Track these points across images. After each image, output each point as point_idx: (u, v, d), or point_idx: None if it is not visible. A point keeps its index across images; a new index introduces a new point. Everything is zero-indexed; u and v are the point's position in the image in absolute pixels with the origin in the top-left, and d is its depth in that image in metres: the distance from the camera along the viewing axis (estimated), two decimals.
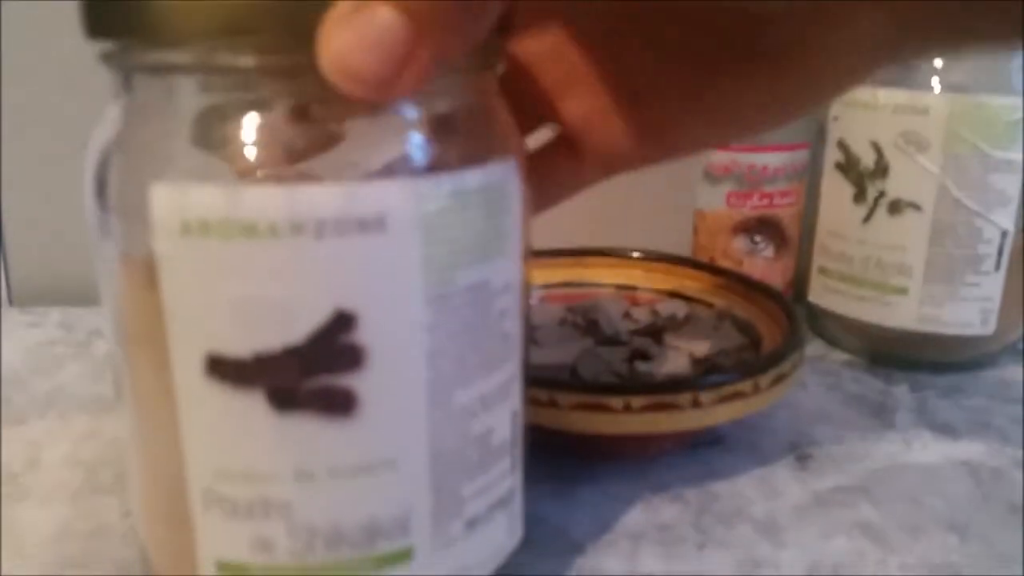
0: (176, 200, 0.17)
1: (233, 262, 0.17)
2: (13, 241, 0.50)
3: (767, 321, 0.36)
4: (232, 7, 0.17)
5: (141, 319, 0.19)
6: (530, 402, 0.24)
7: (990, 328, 0.40)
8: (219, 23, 0.17)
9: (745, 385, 0.29)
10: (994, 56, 0.38)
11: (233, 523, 0.19)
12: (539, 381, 0.28)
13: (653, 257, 0.42)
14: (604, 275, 0.42)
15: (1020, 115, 0.37)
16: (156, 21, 0.17)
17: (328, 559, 0.19)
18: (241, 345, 0.18)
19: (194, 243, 0.17)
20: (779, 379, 0.30)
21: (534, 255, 0.38)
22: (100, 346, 0.43)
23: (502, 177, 0.20)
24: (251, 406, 0.18)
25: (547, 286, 0.41)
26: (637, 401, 0.28)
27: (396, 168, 0.18)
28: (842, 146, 0.41)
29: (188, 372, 0.18)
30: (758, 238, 0.43)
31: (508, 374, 0.21)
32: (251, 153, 0.18)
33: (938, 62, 0.38)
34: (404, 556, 0.20)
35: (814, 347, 0.44)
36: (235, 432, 0.18)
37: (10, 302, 0.51)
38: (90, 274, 0.52)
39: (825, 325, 0.45)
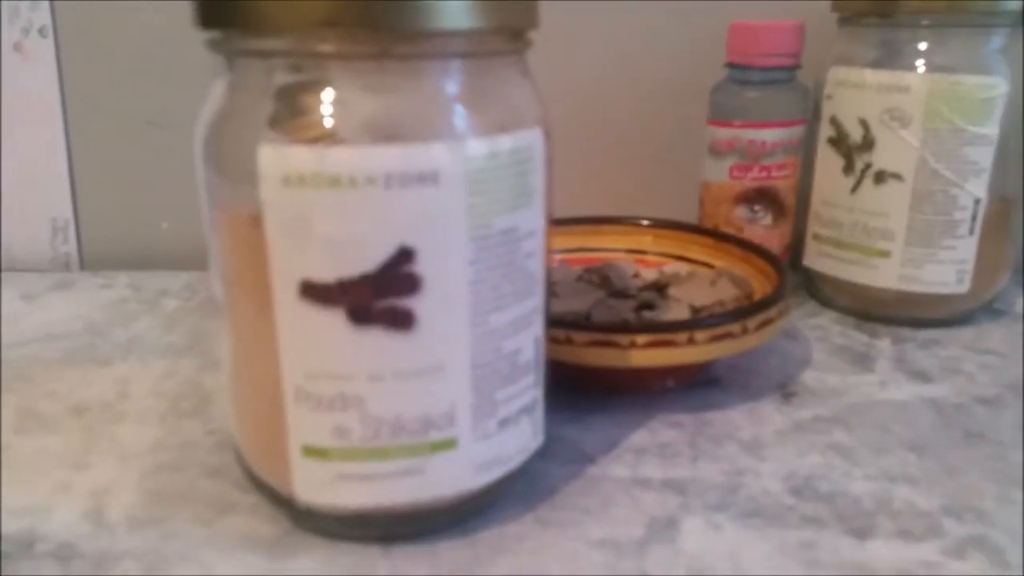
0: (278, 158, 0.22)
1: (322, 207, 0.22)
2: (85, 211, 0.55)
3: (761, 279, 0.41)
4: (318, 5, 0.21)
5: (245, 256, 0.24)
6: (551, 340, 0.29)
7: (965, 287, 0.44)
8: (307, 17, 0.22)
9: (735, 327, 0.34)
10: (975, 39, 0.42)
11: (317, 414, 0.24)
12: (558, 323, 0.33)
13: (662, 224, 0.47)
14: (617, 241, 0.47)
15: (994, 93, 0.41)
16: (257, 15, 0.22)
17: (392, 444, 0.24)
18: (327, 273, 0.22)
19: (292, 192, 0.22)
20: (765, 323, 0.35)
21: (556, 223, 0.43)
22: (168, 303, 0.48)
23: (529, 143, 0.24)
24: (334, 321, 0.23)
25: (567, 250, 0.46)
26: (641, 339, 0.33)
27: (445, 133, 0.23)
28: (834, 122, 0.46)
29: (285, 295, 0.23)
30: (757, 207, 0.48)
31: (532, 305, 0.26)
32: (326, 120, 0.23)
33: (923, 45, 0.42)
34: (451, 444, 0.25)
35: (808, 307, 0.48)
36: (321, 342, 0.23)
37: (81, 266, 0.56)
38: (155, 241, 0.57)
39: (819, 287, 0.49)
